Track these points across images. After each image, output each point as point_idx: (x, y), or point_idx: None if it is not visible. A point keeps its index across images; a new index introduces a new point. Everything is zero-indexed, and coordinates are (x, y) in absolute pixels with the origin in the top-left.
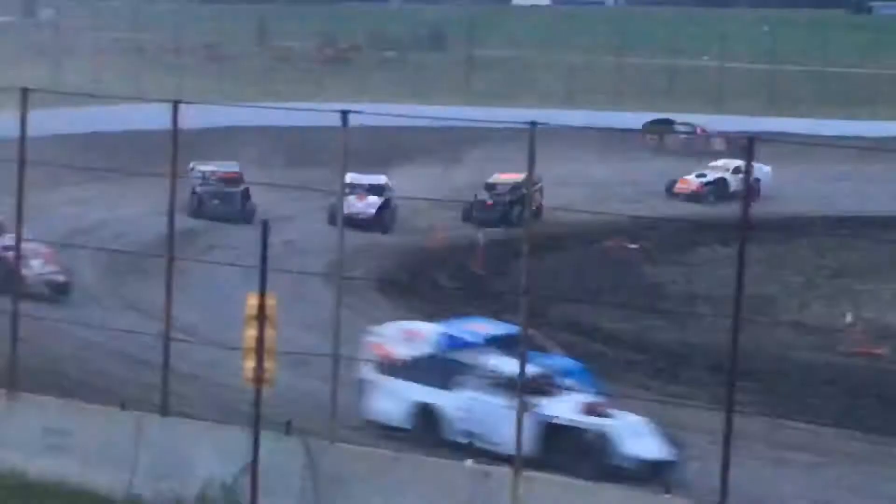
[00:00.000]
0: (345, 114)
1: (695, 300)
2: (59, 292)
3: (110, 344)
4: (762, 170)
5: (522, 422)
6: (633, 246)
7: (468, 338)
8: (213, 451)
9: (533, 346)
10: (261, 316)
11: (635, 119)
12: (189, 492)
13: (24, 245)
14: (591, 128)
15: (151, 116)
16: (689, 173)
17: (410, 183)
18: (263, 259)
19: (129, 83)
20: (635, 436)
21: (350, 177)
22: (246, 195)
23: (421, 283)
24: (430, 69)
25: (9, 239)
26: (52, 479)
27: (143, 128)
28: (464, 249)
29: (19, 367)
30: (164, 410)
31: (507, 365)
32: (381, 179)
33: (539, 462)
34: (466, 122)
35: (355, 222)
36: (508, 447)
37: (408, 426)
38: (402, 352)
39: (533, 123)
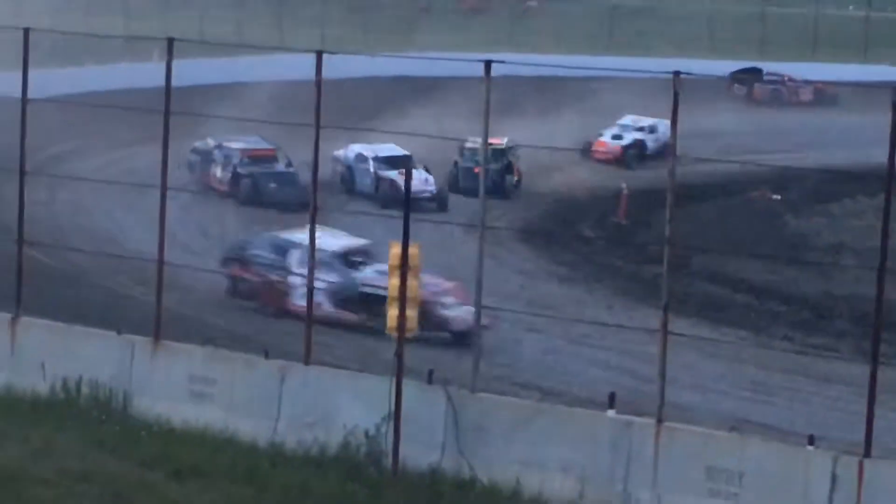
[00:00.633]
0: (488, 63)
1: (839, 251)
2: None
3: None
4: (660, 126)
5: None
6: (776, 196)
7: None
8: (355, 400)
9: None
10: (404, 265)
11: (780, 69)
12: (332, 439)
13: None
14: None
15: (293, 66)
16: None
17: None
18: (406, 208)
19: (272, 33)
20: None
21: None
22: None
23: (564, 234)
24: (570, 18)
25: None
26: (197, 427)
27: (283, 78)
28: (606, 199)
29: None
30: (307, 359)
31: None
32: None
33: None
34: (607, 72)
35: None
36: None
37: None
38: None
39: (677, 73)
